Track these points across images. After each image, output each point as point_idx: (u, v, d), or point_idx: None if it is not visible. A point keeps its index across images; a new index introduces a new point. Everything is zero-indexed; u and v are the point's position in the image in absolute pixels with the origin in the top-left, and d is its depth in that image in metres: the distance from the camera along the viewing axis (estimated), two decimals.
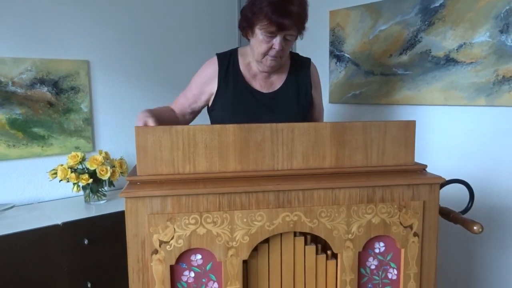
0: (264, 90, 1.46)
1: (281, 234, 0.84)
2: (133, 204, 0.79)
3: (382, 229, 0.86)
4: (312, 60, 1.56)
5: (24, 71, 1.98)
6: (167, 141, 0.83)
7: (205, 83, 1.45)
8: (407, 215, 0.86)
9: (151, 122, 1.13)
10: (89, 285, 1.79)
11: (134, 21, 2.31)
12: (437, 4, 1.76)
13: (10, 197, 1.98)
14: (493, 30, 1.60)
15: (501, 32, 1.58)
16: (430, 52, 1.80)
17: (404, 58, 1.89)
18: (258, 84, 1.46)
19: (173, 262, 0.80)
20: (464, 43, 1.69)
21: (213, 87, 1.44)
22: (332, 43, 2.23)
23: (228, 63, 1.44)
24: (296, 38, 1.40)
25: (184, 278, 0.82)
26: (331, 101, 2.25)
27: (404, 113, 1.91)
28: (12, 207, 1.86)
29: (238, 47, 1.49)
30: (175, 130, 0.83)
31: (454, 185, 1.02)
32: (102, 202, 2.03)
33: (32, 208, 1.95)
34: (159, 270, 0.80)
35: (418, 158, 1.77)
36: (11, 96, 1.95)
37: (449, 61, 1.74)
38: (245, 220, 0.81)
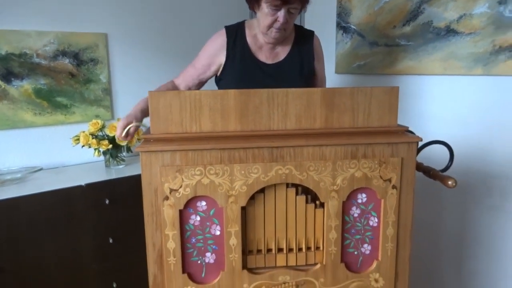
0: (269, 61, 1.55)
1: (275, 185, 0.97)
2: (147, 157, 0.92)
3: (364, 181, 0.97)
4: (319, 32, 1.63)
5: (48, 44, 2.11)
6: (177, 104, 0.95)
7: (214, 54, 1.54)
8: (386, 170, 0.98)
9: (132, 129, 1.27)
10: (111, 240, 1.96)
11: None
12: None
13: (38, 160, 2.15)
14: (492, 1, 1.64)
15: (499, 3, 1.62)
16: (432, 23, 1.86)
17: (407, 29, 1.95)
18: (264, 55, 1.55)
19: (181, 207, 0.94)
20: (464, 14, 1.74)
21: (222, 58, 1.53)
22: (339, 15, 2.29)
23: (235, 35, 1.53)
24: (300, 11, 1.48)
25: (191, 221, 0.96)
26: (337, 72, 2.33)
27: (406, 83, 1.99)
28: (40, 169, 2.03)
29: (245, 20, 1.58)
30: (183, 95, 0.95)
31: (445, 148, 1.12)
32: (121, 166, 2.19)
33: (57, 171, 2.12)
34: (169, 213, 0.93)
35: (417, 126, 1.87)
36: (36, 67, 2.09)
37: (449, 31, 1.80)
38: (243, 172, 0.93)
